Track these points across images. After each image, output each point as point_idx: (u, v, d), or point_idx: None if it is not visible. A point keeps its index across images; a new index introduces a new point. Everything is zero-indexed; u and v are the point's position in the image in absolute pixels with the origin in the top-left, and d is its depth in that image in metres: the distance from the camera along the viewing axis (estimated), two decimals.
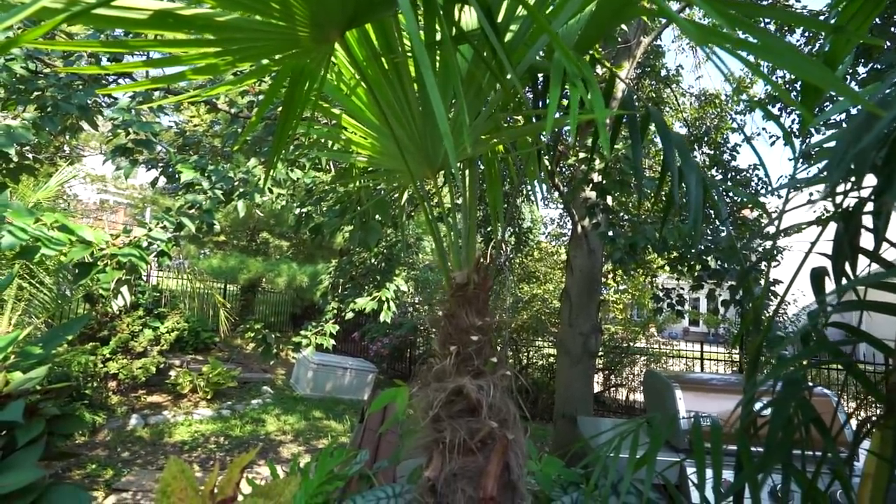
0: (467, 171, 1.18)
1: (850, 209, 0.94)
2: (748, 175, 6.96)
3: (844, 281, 1.09)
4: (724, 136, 7.97)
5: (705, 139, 7.92)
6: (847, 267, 1.06)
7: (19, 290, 4.69)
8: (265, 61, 1.02)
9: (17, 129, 2.18)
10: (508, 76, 0.91)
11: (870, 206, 1.04)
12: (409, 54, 1.03)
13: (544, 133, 1.27)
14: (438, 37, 0.95)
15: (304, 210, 2.90)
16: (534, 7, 0.81)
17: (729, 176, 6.63)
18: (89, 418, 5.78)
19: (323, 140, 1.83)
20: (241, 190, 2.45)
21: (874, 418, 1.17)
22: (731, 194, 6.56)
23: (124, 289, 1.87)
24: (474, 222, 1.15)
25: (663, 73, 7.94)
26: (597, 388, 7.78)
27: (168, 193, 9.58)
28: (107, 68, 0.92)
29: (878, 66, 3.06)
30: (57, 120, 2.37)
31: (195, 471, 5.18)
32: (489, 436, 1.13)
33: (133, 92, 2.64)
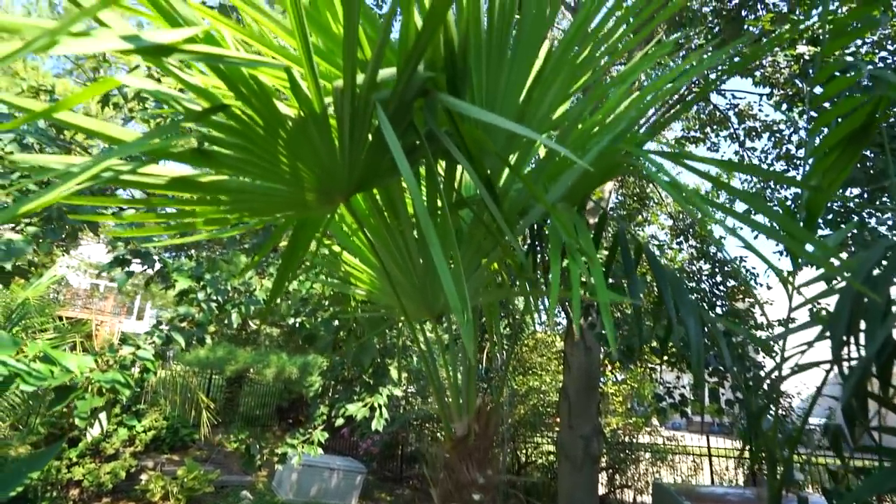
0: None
1: (857, 372, 0.94)
2: (736, 266, 7.09)
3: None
4: (710, 228, 8.22)
5: (690, 231, 8.18)
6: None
7: None
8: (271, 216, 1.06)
9: (17, 243, 2.20)
10: (507, 238, 0.94)
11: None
12: (411, 212, 1.07)
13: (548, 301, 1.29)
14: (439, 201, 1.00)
15: (299, 320, 2.88)
16: (531, 181, 0.86)
17: (716, 269, 6.75)
18: None
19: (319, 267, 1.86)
20: (236, 300, 2.44)
21: None
22: (724, 287, 6.63)
23: (102, 415, 1.77)
24: (475, 369, 1.13)
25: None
26: (601, 490, 7.26)
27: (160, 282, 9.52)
28: (134, 232, 0.95)
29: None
30: (59, 231, 2.40)
31: None
32: None
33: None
